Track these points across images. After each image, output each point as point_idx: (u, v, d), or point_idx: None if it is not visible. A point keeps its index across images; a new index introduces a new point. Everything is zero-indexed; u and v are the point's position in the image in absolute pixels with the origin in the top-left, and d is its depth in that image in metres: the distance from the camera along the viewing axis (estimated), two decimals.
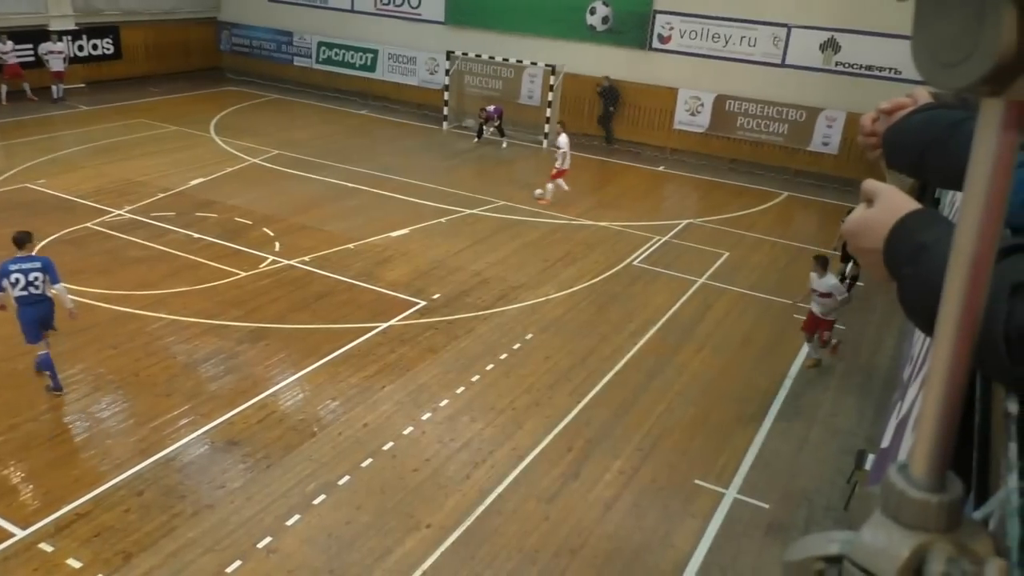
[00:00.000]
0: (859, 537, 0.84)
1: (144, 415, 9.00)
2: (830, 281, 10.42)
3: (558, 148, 16.79)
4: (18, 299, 8.78)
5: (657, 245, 15.10)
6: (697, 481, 8.48)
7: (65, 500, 7.58)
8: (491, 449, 8.74)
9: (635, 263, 14.18)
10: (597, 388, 10.10)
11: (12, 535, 7.13)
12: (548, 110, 22.02)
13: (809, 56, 19.89)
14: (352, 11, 25.96)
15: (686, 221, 16.55)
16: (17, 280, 8.71)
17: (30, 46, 23.00)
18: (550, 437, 9.03)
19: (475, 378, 10.14)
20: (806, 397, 10.28)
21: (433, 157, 20.44)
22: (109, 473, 8.01)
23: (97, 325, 10.77)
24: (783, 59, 20.23)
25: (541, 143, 22.08)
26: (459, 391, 9.83)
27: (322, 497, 7.84)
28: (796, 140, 20.29)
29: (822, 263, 10.42)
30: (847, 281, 12.26)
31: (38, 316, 8.95)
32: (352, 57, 26.31)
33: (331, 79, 26.64)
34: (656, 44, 21.57)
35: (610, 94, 22.06)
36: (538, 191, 17.11)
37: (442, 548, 7.30)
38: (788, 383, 10.57)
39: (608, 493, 8.19)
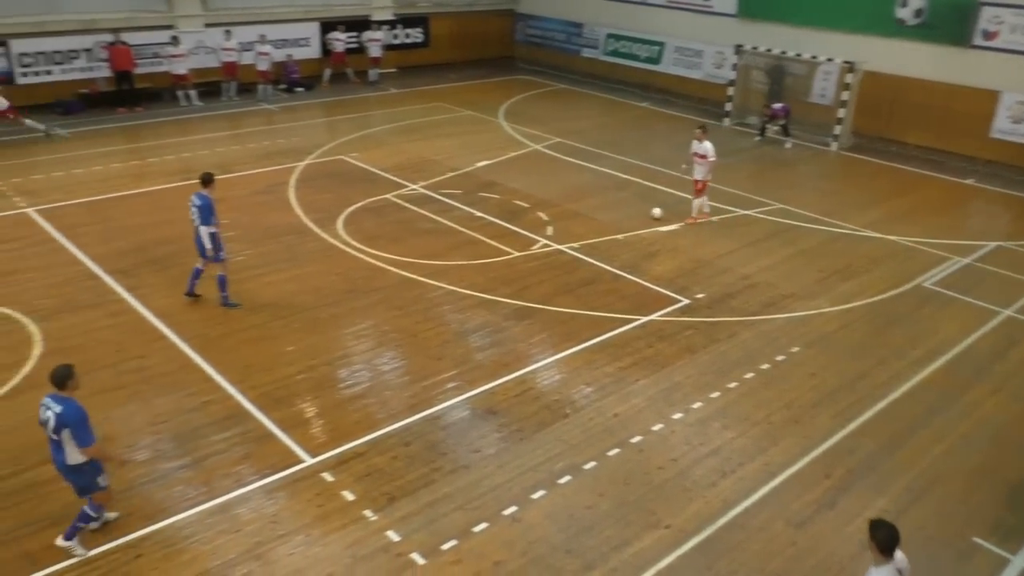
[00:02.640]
0: None
1: (417, 373, 9.85)
2: None
3: (704, 157, 14.49)
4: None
5: (955, 267, 13.52)
6: (976, 539, 7.54)
7: (347, 439, 8.54)
8: (741, 460, 8.44)
9: (926, 284, 12.83)
10: (866, 415, 9.33)
11: (303, 461, 8.19)
12: (841, 110, 20.53)
13: None
14: (642, 3, 26.03)
15: (995, 243, 14.62)
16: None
17: (355, 34, 25.91)
18: (807, 459, 8.52)
19: (732, 385, 9.83)
20: None
21: None
22: (384, 421, 8.88)
23: (387, 287, 11.95)
24: None
25: (829, 145, 20.68)
26: (714, 395, 9.59)
27: (568, 478, 8.07)
28: None
29: (884, 541, 5.23)
30: None
31: (196, 243, 11.02)
32: (638, 49, 26.43)
33: (615, 70, 26.98)
34: (978, 40, 19.17)
35: (776, 73, 21.93)
36: (656, 210, 15.04)
37: (679, 551, 7.21)
38: None
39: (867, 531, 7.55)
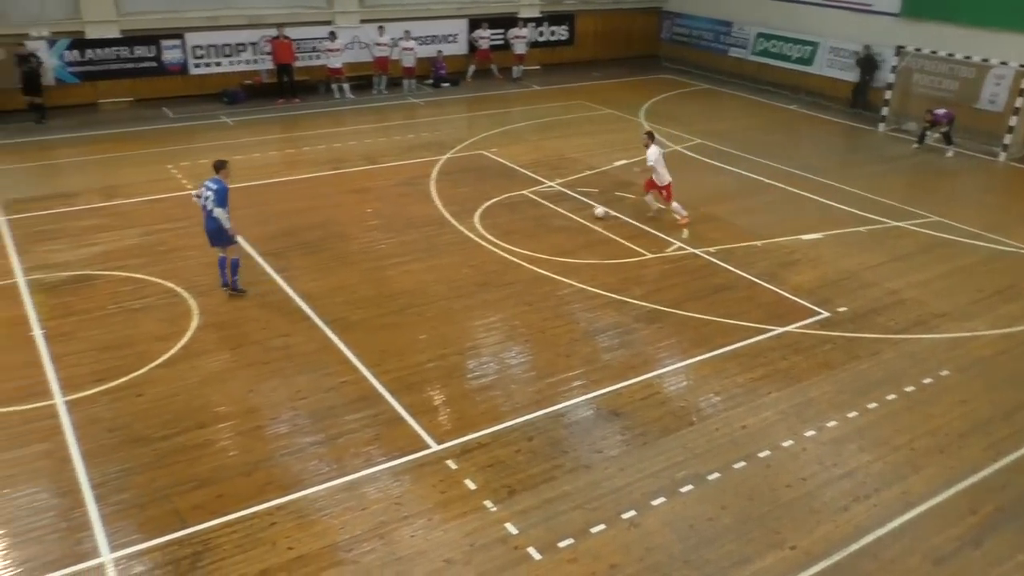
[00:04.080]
0: None
1: (544, 369, 9.92)
2: None
3: (647, 161, 13.92)
4: (203, 209, 11.15)
5: None
6: None
7: (471, 428, 8.72)
8: (877, 486, 7.99)
9: None
10: (1023, 451, 8.60)
11: (429, 447, 8.42)
12: (1013, 118, 18.95)
13: None
14: (798, 1, 25.00)
15: None
16: (201, 194, 11.16)
17: (502, 31, 26.32)
18: (951, 491, 7.95)
19: (872, 405, 9.31)
20: None
21: (862, 160, 18.95)
22: (508, 414, 9.01)
23: (519, 282, 12.09)
24: None
25: (997, 155, 19.15)
26: (851, 415, 9.12)
27: (689, 487, 7.91)
28: None
29: None
30: None
31: (207, 228, 11.22)
32: (790, 49, 25.43)
33: (764, 71, 26.08)
34: None
35: (867, 64, 22.43)
36: (599, 210, 14.51)
37: (804, 574, 6.91)
38: None
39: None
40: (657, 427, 8.83)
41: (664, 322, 11.06)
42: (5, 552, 6.98)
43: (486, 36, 25.77)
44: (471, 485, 7.87)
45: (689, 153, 18.82)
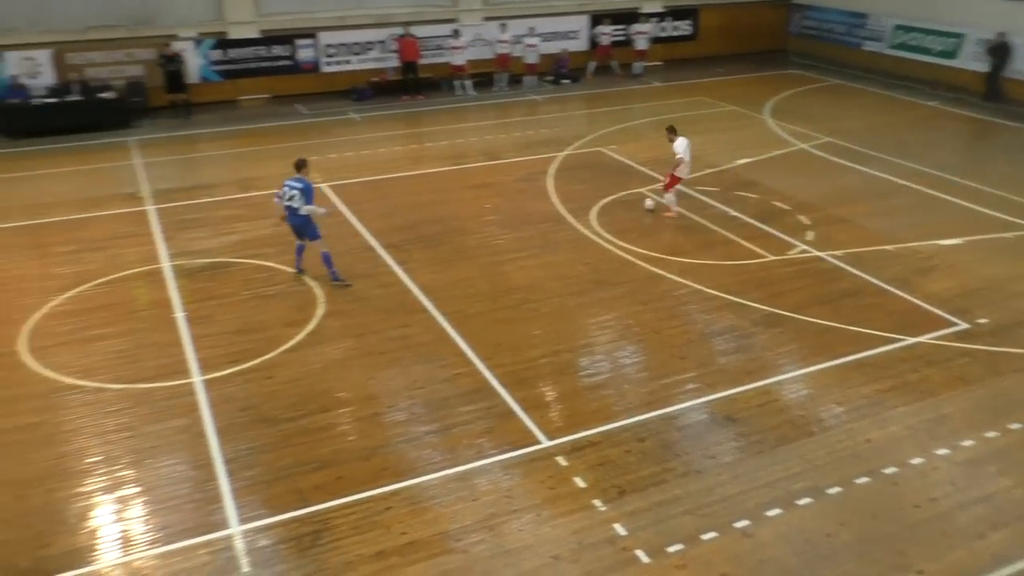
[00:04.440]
0: None
1: (657, 370, 9.80)
2: None
3: (676, 154, 13.94)
4: (286, 208, 11.55)
5: None
6: None
7: (583, 426, 8.72)
8: (1018, 514, 7.44)
9: None
10: None
11: (539, 442, 8.48)
12: None
13: None
14: None
15: None
16: (284, 193, 11.52)
17: (623, 27, 26.07)
18: None
19: (1014, 426, 8.67)
20: None
21: (1010, 160, 17.64)
22: (620, 414, 8.95)
23: (634, 280, 11.98)
24: None
25: None
26: (989, 435, 8.53)
27: (807, 500, 7.63)
28: None
29: None
30: None
31: (292, 224, 11.68)
32: (931, 42, 23.99)
33: (901, 65, 24.69)
34: None
35: (999, 51, 21.53)
36: (649, 202, 14.67)
37: None
38: None
39: None
40: (774, 435, 8.55)
41: (784, 327, 10.69)
42: (148, 517, 7.54)
43: (607, 32, 25.59)
44: (580, 483, 7.87)
45: (817, 152, 18.07)
